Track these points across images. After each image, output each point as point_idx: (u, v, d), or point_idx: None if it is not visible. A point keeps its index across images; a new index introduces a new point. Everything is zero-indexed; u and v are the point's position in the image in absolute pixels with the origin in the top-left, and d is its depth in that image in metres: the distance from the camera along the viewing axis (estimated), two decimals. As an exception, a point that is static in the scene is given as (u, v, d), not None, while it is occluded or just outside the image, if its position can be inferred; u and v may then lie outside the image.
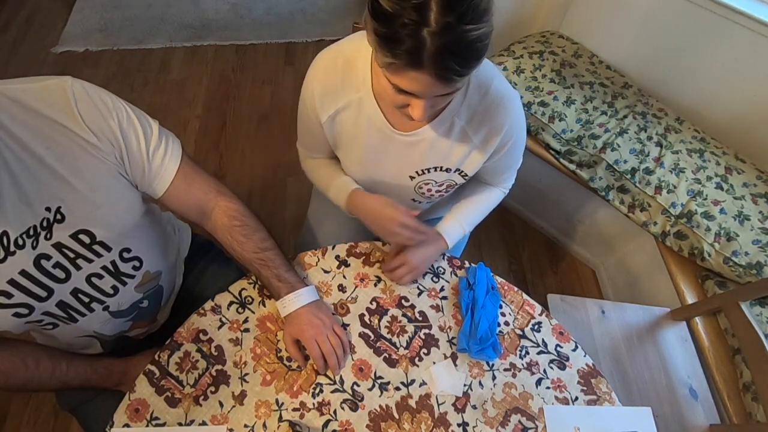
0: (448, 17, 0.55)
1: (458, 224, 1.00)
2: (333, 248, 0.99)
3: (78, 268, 0.74)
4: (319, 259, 0.97)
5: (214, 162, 2.06)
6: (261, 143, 2.14)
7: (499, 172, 0.99)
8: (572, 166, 1.49)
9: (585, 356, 0.90)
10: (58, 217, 0.69)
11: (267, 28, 2.63)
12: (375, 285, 0.95)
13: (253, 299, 0.91)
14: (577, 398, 0.86)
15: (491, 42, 0.62)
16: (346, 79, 0.82)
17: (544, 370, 0.88)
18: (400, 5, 0.56)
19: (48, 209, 0.67)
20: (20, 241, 0.66)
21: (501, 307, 0.94)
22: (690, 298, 1.28)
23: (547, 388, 0.86)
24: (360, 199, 0.92)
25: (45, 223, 0.68)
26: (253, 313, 0.90)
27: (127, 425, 0.77)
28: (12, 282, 0.67)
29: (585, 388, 0.87)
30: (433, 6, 0.55)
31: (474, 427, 0.81)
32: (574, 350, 0.91)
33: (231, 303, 0.90)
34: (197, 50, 2.50)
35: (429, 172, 0.91)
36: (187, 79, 2.37)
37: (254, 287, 0.93)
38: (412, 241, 0.89)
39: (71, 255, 0.72)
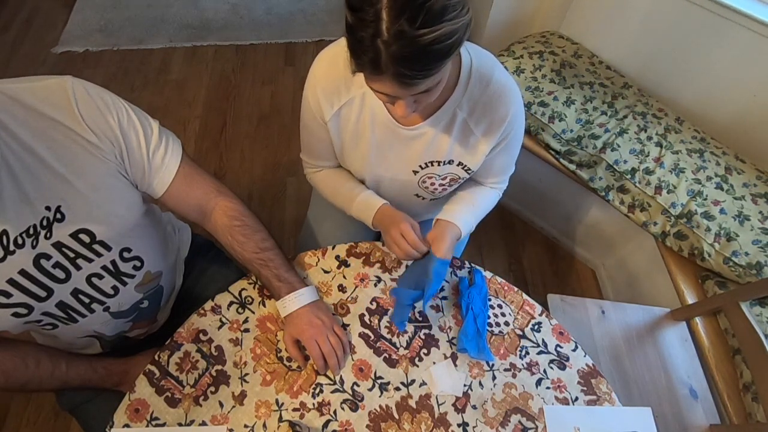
0: (398, 25, 0.56)
1: (468, 211, 0.96)
2: (333, 248, 0.99)
3: (78, 268, 0.74)
4: (319, 260, 0.97)
5: (214, 162, 2.06)
6: (261, 143, 2.14)
7: (495, 171, 0.99)
8: (572, 166, 1.49)
9: (585, 356, 0.90)
10: (58, 216, 0.68)
11: (267, 28, 2.63)
12: (375, 285, 0.95)
13: (253, 299, 0.91)
14: (577, 398, 0.86)
15: (463, 38, 0.61)
16: (348, 75, 0.82)
17: (544, 371, 0.88)
18: (358, 17, 0.58)
19: (48, 208, 0.67)
20: (20, 241, 0.66)
21: (490, 303, 0.94)
22: (690, 298, 1.28)
23: (547, 388, 0.86)
24: (383, 213, 0.93)
25: (45, 223, 0.68)
26: (253, 313, 0.90)
27: (127, 425, 0.77)
28: (11, 281, 0.67)
29: (585, 389, 0.87)
30: (384, 16, 0.56)
31: (474, 427, 0.81)
32: (574, 350, 0.91)
33: (231, 303, 0.90)
34: (197, 50, 2.50)
35: (432, 165, 0.91)
36: (187, 79, 2.37)
37: (254, 287, 0.92)
38: (405, 256, 0.88)
39: (71, 255, 0.72)
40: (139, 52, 2.47)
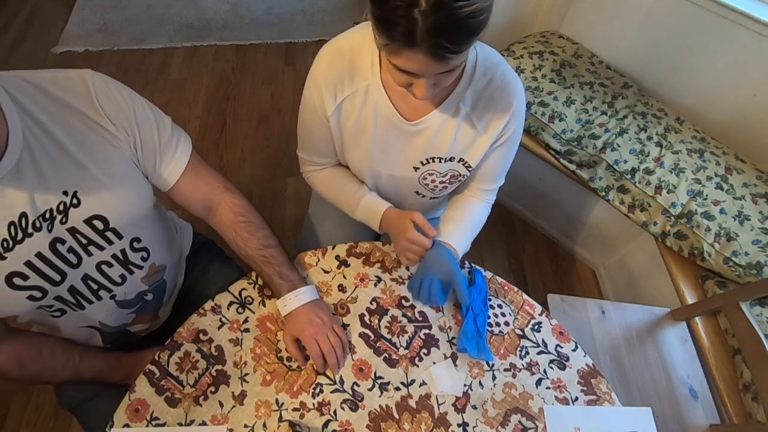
0: None
1: (462, 234, 0.96)
2: (333, 248, 0.99)
3: (89, 254, 0.76)
4: (319, 259, 0.97)
5: (214, 162, 2.06)
6: (261, 143, 2.14)
7: (488, 172, 0.97)
8: (572, 166, 1.49)
9: (585, 356, 0.90)
10: (75, 201, 0.71)
11: (267, 28, 2.63)
12: (375, 285, 0.95)
13: (253, 299, 0.91)
14: (577, 398, 0.86)
15: (489, 18, 0.62)
16: (352, 68, 0.83)
17: (544, 370, 0.88)
18: None
19: (65, 193, 0.69)
20: (37, 224, 0.68)
21: (490, 303, 0.94)
22: (690, 298, 1.28)
23: (547, 388, 0.86)
24: (389, 218, 0.94)
25: (62, 207, 0.69)
26: (253, 313, 0.90)
27: (127, 425, 0.77)
28: (28, 264, 0.69)
29: (585, 388, 0.87)
30: None
31: (474, 427, 0.81)
32: (574, 350, 0.91)
33: (231, 303, 0.90)
34: (197, 50, 2.51)
35: (433, 161, 0.91)
36: (187, 79, 2.37)
37: (254, 287, 0.93)
38: (418, 261, 0.89)
39: (84, 241, 0.74)
40: (139, 52, 2.47)
